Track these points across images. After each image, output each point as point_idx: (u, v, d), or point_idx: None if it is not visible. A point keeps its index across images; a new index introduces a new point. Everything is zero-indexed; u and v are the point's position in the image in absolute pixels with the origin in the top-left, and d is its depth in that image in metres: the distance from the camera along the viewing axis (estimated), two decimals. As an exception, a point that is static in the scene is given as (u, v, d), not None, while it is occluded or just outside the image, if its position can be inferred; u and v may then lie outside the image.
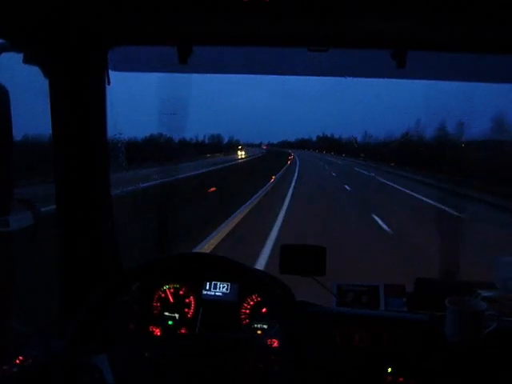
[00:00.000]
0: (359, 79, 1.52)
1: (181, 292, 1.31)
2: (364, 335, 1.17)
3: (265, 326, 1.24)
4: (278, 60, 1.35)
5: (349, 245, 6.35)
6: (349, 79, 1.48)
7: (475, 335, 1.07)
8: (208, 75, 1.54)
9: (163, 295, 1.31)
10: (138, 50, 1.26)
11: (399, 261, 5.63)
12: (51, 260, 1.30)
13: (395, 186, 17.73)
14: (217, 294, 1.31)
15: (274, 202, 11.65)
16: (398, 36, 1.10)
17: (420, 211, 10.53)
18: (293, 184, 17.51)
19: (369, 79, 1.56)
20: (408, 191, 15.48)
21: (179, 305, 1.30)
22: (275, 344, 1.05)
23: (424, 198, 13.16)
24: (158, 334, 1.21)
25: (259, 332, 1.24)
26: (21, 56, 1.09)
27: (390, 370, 1.12)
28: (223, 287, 1.31)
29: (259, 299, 1.27)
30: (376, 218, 9.12)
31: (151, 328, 1.22)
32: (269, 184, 16.11)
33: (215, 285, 1.31)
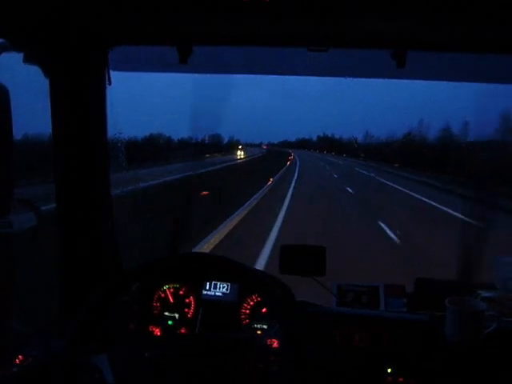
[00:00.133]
0: (359, 79, 1.52)
1: (181, 292, 1.31)
2: (364, 335, 1.17)
3: (265, 326, 1.24)
4: (278, 60, 1.35)
5: (359, 264, 5.17)
6: (349, 79, 1.49)
7: (475, 335, 1.07)
8: (208, 75, 1.55)
9: (163, 295, 1.31)
10: (138, 50, 1.26)
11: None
12: (51, 260, 1.30)
13: (401, 188, 16.72)
14: (217, 294, 1.31)
15: (268, 214, 9.68)
16: (397, 36, 1.10)
17: (430, 217, 9.89)
18: (291, 190, 15.35)
19: (369, 79, 1.56)
20: (418, 196, 14.33)
21: (179, 305, 1.30)
22: (275, 344, 1.05)
23: (435, 204, 12.24)
24: (158, 334, 1.21)
25: (259, 332, 1.24)
26: (21, 56, 1.09)
27: (389, 370, 1.12)
28: (223, 287, 1.31)
29: (259, 299, 1.27)
30: (382, 225, 8.33)
31: (151, 328, 1.22)
32: (266, 186, 15.01)
33: (215, 285, 1.31)
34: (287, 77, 1.55)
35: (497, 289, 1.32)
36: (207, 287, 1.31)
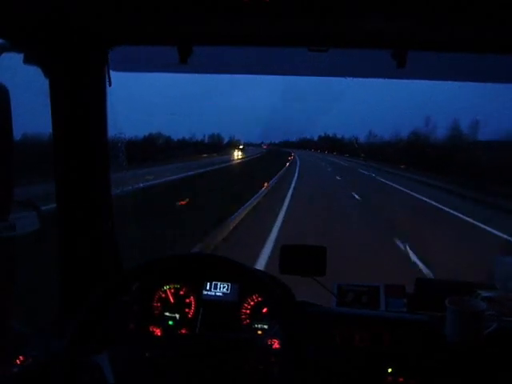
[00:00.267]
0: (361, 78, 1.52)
1: (181, 292, 1.31)
2: (364, 335, 1.17)
3: (265, 327, 1.24)
4: (278, 60, 1.35)
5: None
6: (349, 79, 1.49)
7: (475, 335, 1.07)
8: (208, 75, 1.55)
9: (163, 295, 1.31)
10: (138, 50, 1.26)
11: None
12: (51, 260, 1.30)
13: (421, 197, 13.85)
14: (217, 294, 1.30)
15: (258, 229, 7.80)
16: (398, 36, 1.10)
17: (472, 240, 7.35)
18: (288, 199, 12.39)
19: (370, 79, 1.56)
20: (446, 208, 11.35)
21: (179, 305, 1.30)
22: (276, 344, 1.05)
23: (473, 221, 9.40)
24: (159, 334, 1.21)
25: (260, 332, 1.24)
26: (21, 56, 1.09)
27: (390, 370, 1.12)
28: (223, 287, 1.31)
29: (260, 299, 1.27)
30: (400, 245, 6.43)
31: (151, 328, 1.22)
32: (260, 192, 12.69)
33: (215, 285, 1.31)
34: (288, 77, 1.55)
35: (497, 289, 1.32)
36: (208, 287, 1.31)
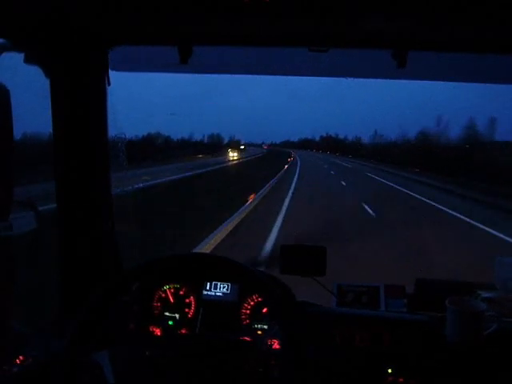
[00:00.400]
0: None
1: (181, 292, 1.31)
2: (364, 335, 1.17)
3: (265, 327, 1.24)
4: (278, 60, 1.35)
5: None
6: (351, 78, 1.49)
7: (475, 336, 1.07)
8: (208, 75, 1.55)
9: (163, 295, 1.32)
10: (138, 50, 1.26)
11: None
12: (51, 260, 1.30)
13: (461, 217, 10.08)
14: (217, 294, 1.31)
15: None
16: (398, 36, 1.10)
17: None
18: (283, 212, 9.68)
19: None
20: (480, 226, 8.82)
21: (179, 305, 1.30)
22: (275, 344, 1.05)
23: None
24: (159, 334, 1.21)
25: (259, 332, 1.24)
26: (21, 56, 1.09)
27: (390, 370, 1.12)
28: (223, 287, 1.31)
29: (259, 299, 1.27)
30: None
31: (151, 328, 1.22)
32: (245, 207, 10.07)
33: (215, 285, 1.31)
34: (288, 77, 1.55)
35: (497, 289, 1.32)
36: (207, 287, 1.31)
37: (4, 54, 1.03)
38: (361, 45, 1.15)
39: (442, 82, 1.53)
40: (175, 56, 1.16)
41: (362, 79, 1.52)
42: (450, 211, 10.83)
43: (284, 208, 10.51)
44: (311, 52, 1.17)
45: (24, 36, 1.06)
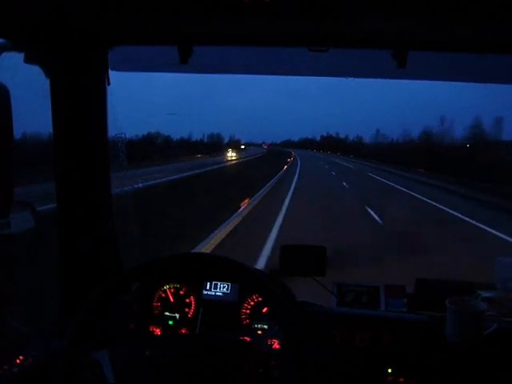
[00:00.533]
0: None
1: (181, 292, 1.31)
2: (364, 335, 1.17)
3: (265, 326, 1.24)
4: (278, 60, 1.35)
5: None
6: (351, 78, 1.49)
7: (475, 336, 1.07)
8: (208, 75, 1.55)
9: (163, 295, 1.31)
10: (138, 50, 1.26)
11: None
12: (51, 259, 1.30)
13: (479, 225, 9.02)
14: (217, 294, 1.30)
15: None
16: (398, 36, 1.10)
17: None
18: (280, 220, 8.68)
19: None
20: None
21: (179, 305, 1.30)
22: (275, 344, 1.05)
23: None
24: (159, 333, 1.21)
25: (259, 332, 1.24)
26: (21, 56, 1.09)
27: (390, 370, 1.12)
28: (223, 287, 1.31)
29: (259, 299, 1.27)
30: None
31: (151, 328, 1.22)
32: (245, 207, 9.82)
33: (215, 285, 1.31)
34: (288, 76, 1.55)
35: (497, 289, 1.32)
36: (207, 287, 1.31)
37: (4, 54, 1.03)
38: (361, 45, 1.15)
39: (444, 82, 1.52)
40: (175, 56, 1.16)
41: (362, 79, 1.53)
42: (469, 219, 9.88)
43: (284, 208, 10.47)
44: (311, 52, 1.17)
45: (24, 36, 1.06)
